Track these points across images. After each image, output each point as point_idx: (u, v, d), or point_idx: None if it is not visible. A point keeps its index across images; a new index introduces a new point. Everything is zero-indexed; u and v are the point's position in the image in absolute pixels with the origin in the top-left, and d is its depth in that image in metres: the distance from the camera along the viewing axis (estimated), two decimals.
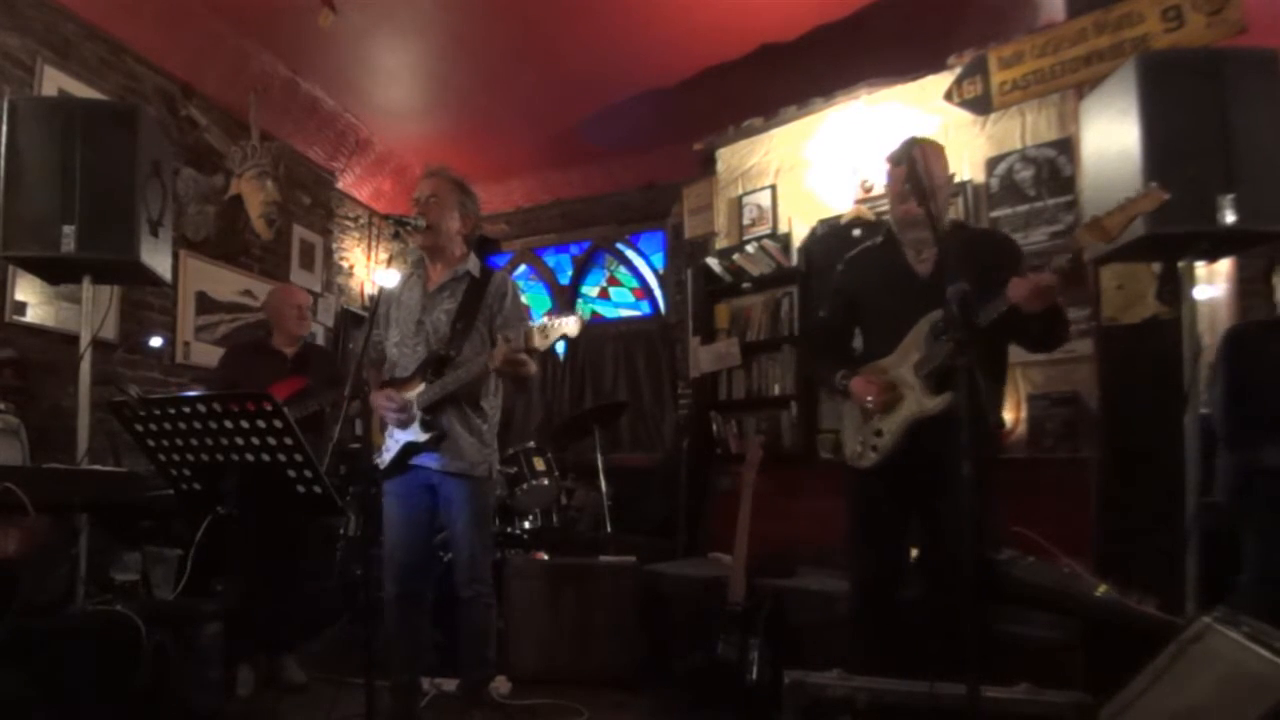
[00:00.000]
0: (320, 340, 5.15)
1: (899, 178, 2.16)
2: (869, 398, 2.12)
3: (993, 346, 2.08)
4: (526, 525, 3.76)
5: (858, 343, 2.39)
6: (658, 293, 5.90)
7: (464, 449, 2.32)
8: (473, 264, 2.46)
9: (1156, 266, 2.86)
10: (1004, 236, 1.85)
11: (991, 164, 3.39)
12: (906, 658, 2.03)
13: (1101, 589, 2.29)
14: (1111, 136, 2.22)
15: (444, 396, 2.28)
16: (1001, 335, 2.07)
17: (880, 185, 3.73)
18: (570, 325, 2.15)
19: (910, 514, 2.17)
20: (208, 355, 4.19)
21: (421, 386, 2.31)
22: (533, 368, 2.34)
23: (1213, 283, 3.43)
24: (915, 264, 2.18)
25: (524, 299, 2.54)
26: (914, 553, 2.27)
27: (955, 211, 3.43)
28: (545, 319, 2.18)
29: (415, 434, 2.31)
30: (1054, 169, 3.22)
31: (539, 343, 2.13)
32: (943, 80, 3.51)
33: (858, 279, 2.34)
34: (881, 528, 2.19)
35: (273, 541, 2.84)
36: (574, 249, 6.28)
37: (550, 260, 6.37)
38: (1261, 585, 2.46)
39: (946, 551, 2.06)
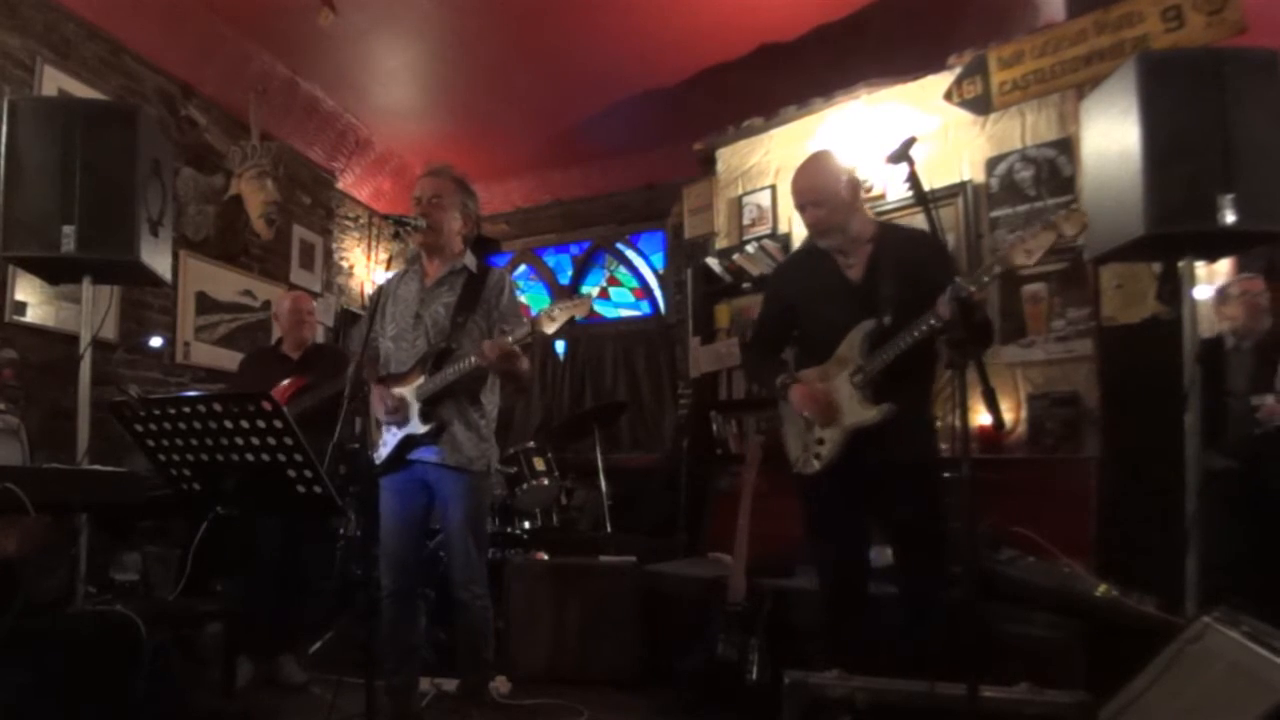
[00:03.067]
0: (320, 340, 5.16)
1: (814, 184, 2.18)
2: (807, 411, 2.14)
3: (925, 352, 2.10)
4: (526, 525, 3.76)
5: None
6: (658, 293, 5.90)
7: (461, 443, 2.32)
8: (469, 259, 2.46)
9: (1156, 266, 2.86)
10: (927, 236, 1.87)
11: (991, 164, 3.39)
12: (881, 653, 2.04)
13: (1101, 589, 2.29)
14: (1111, 136, 2.22)
15: (443, 389, 2.27)
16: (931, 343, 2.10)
17: (879, 185, 3.74)
18: (577, 308, 2.12)
19: (863, 513, 2.20)
20: (208, 355, 4.19)
21: (421, 379, 2.31)
22: (525, 364, 2.32)
23: (1213, 283, 3.43)
24: (845, 269, 2.20)
25: (521, 297, 2.55)
26: (888, 552, 2.29)
27: (955, 211, 3.44)
28: (551, 305, 2.16)
29: (415, 426, 2.30)
30: (1054, 169, 3.22)
31: (546, 326, 2.10)
32: (943, 80, 3.52)
33: (792, 285, 2.35)
34: (837, 526, 2.21)
35: (273, 541, 2.86)
36: (574, 249, 6.29)
37: (550, 260, 6.37)
38: (1207, 574, 2.49)
39: (915, 555, 2.10)
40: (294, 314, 3.27)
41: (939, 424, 2.31)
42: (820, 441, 2.15)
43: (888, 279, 2.09)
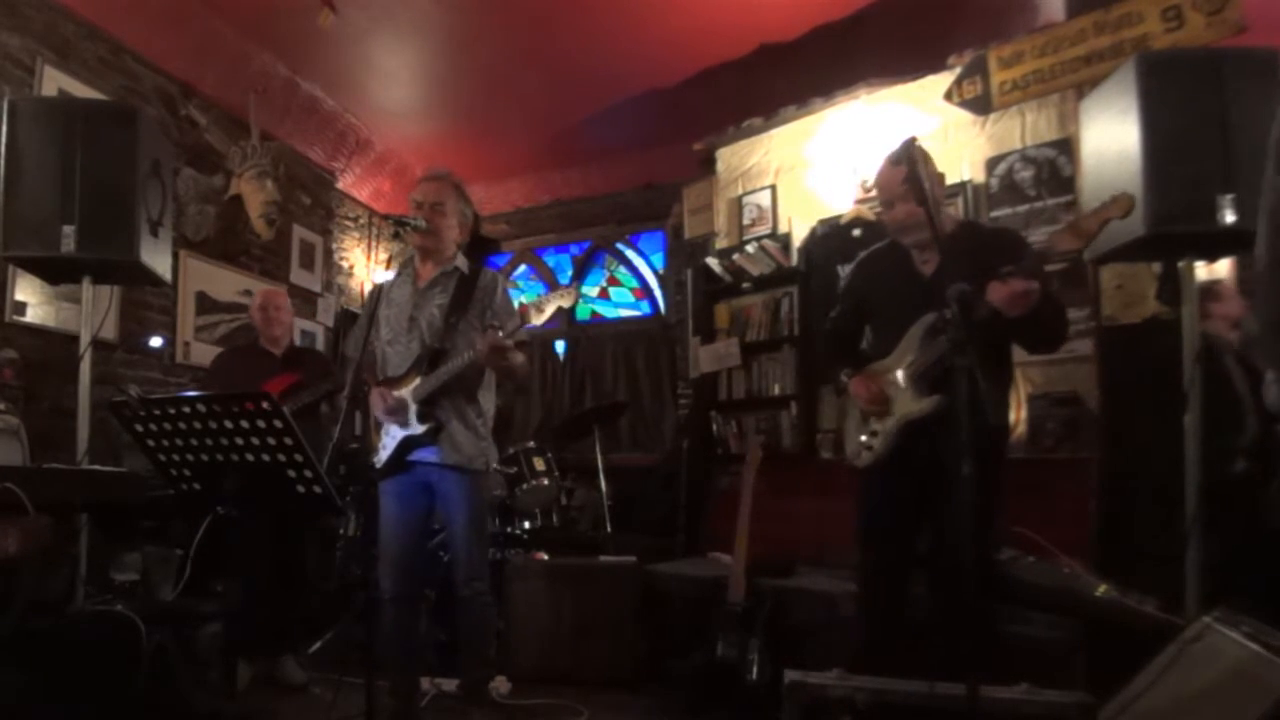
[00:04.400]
0: (320, 340, 5.16)
1: (895, 179, 2.13)
2: (862, 400, 2.15)
3: (992, 347, 2.06)
4: (526, 525, 3.76)
5: (867, 342, 2.41)
6: (658, 293, 5.90)
7: (460, 442, 2.32)
8: (461, 260, 2.46)
9: (1156, 266, 2.86)
10: (1009, 233, 1.85)
11: (991, 164, 3.39)
12: (911, 655, 2.03)
13: (1101, 589, 2.29)
14: (1111, 136, 2.22)
15: (439, 388, 2.28)
16: (1000, 336, 2.06)
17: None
18: (565, 297, 2.16)
19: (917, 513, 2.17)
20: (208, 355, 4.17)
21: (417, 381, 2.31)
22: (520, 358, 2.33)
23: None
24: (919, 265, 2.19)
25: (520, 297, 2.56)
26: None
27: (955, 211, 3.43)
28: (540, 296, 2.19)
29: (413, 427, 2.31)
30: (1054, 169, 3.22)
31: (535, 317, 2.14)
32: (943, 80, 3.51)
33: (866, 281, 2.36)
34: (885, 526, 2.20)
35: (273, 541, 2.86)
36: (574, 249, 6.28)
37: (550, 260, 6.37)
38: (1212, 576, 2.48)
39: (948, 551, 2.06)
40: (261, 310, 3.24)
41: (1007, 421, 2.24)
42: (874, 434, 2.16)
43: (957, 274, 1.98)
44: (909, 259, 2.21)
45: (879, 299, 2.28)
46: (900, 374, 2.12)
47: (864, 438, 2.19)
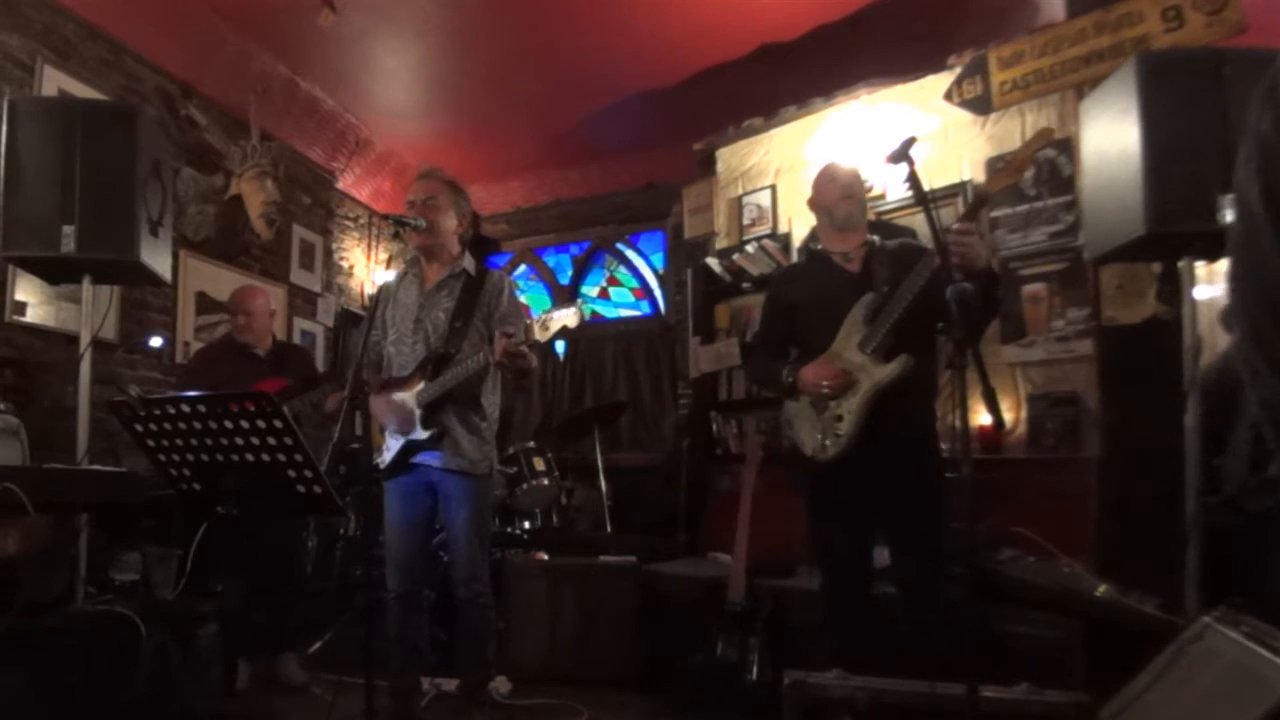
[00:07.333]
0: (320, 339, 5.16)
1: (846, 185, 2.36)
2: (824, 381, 2.17)
3: (922, 333, 2.19)
4: (526, 525, 3.76)
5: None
6: (658, 293, 5.90)
7: (463, 447, 2.33)
8: (468, 262, 2.46)
9: (1156, 266, 2.86)
10: (899, 227, 2.03)
11: (992, 164, 3.39)
12: (884, 653, 2.05)
13: (1101, 589, 2.29)
14: (1111, 136, 2.22)
15: (444, 394, 2.28)
16: (932, 319, 2.16)
17: (879, 185, 3.73)
18: (570, 317, 2.15)
19: (870, 507, 2.20)
20: None
21: (421, 385, 2.31)
22: (534, 361, 2.32)
23: (1213, 283, 3.42)
24: (845, 265, 2.32)
25: (521, 298, 2.55)
26: (886, 552, 2.31)
27: (955, 211, 3.44)
28: (545, 313, 2.18)
29: (416, 432, 2.31)
30: (1054, 169, 3.22)
31: (539, 334, 2.13)
32: (943, 80, 3.51)
33: (793, 291, 2.44)
34: (845, 517, 2.23)
35: (273, 541, 2.86)
36: (574, 249, 6.28)
37: (550, 260, 6.37)
38: None
39: (913, 551, 2.14)
40: (233, 317, 3.18)
41: (938, 421, 2.34)
42: (839, 419, 2.16)
43: (883, 264, 2.22)
44: (831, 264, 2.34)
45: (809, 302, 2.35)
46: (853, 354, 2.17)
47: (827, 426, 2.19)
